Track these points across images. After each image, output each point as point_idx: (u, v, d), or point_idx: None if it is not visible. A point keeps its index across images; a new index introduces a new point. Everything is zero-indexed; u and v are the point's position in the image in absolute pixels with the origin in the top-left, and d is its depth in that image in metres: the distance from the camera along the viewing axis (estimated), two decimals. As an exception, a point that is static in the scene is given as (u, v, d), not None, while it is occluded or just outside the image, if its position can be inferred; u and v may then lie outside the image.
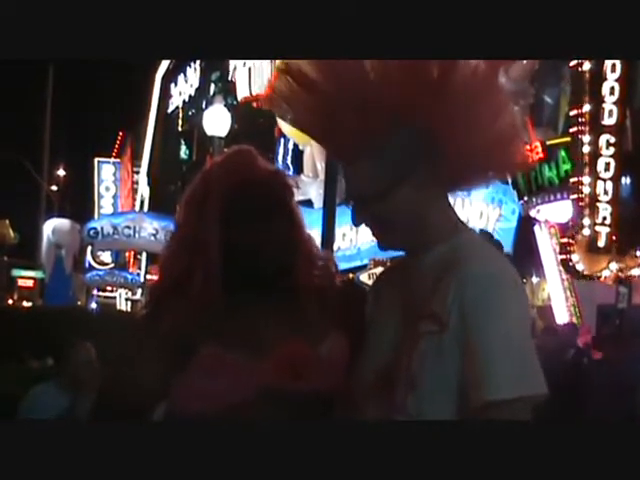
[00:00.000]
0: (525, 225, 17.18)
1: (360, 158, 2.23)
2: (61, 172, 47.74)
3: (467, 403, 2.09)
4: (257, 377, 2.32)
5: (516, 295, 2.17)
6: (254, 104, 28.45)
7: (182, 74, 39.17)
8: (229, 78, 30.31)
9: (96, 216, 41.20)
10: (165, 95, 41.66)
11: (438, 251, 2.24)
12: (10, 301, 35.70)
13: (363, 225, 2.29)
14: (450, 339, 2.12)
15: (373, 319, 2.39)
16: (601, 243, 14.88)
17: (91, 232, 29.63)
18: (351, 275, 18.40)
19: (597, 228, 14.87)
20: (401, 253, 2.38)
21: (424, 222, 2.25)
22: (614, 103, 14.94)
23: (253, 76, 28.04)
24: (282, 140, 27.59)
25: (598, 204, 14.85)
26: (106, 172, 46.99)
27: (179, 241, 2.50)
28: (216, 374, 2.32)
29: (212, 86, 33.39)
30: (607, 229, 14.87)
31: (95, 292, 40.24)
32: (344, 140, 2.24)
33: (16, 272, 40.53)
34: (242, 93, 28.54)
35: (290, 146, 27.41)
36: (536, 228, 16.99)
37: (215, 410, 2.29)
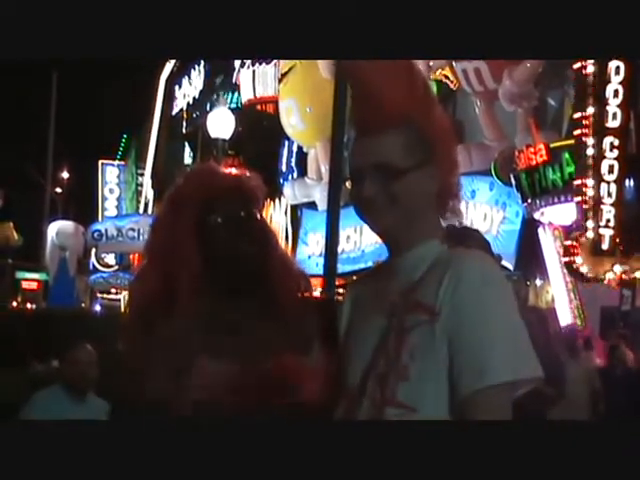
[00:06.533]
0: (529, 227, 17.17)
1: (393, 130, 2.27)
2: (65, 174, 47.70)
3: (461, 390, 2.13)
4: (247, 389, 2.33)
5: (507, 289, 2.24)
6: (258, 106, 28.47)
7: (186, 76, 39.17)
8: (233, 81, 30.30)
9: (100, 218, 41.20)
10: (169, 97, 41.66)
11: (424, 248, 2.29)
12: (14, 303, 35.70)
13: (364, 206, 2.31)
14: (440, 329, 2.16)
15: (351, 322, 2.41)
16: (605, 245, 14.88)
17: (95, 234, 29.68)
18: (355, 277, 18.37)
19: (601, 230, 14.87)
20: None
21: (420, 215, 2.29)
22: (618, 106, 14.94)
23: (257, 79, 28.05)
24: (286, 142, 27.58)
25: (602, 206, 14.85)
26: (110, 174, 46.98)
27: (156, 258, 2.52)
28: (206, 385, 2.33)
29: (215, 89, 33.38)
30: (611, 231, 14.86)
31: (99, 294, 40.19)
32: (386, 108, 2.28)
33: (20, 274, 40.51)
34: (246, 95, 28.54)
35: (294, 148, 27.40)
36: (540, 230, 16.98)
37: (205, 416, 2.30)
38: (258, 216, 2.52)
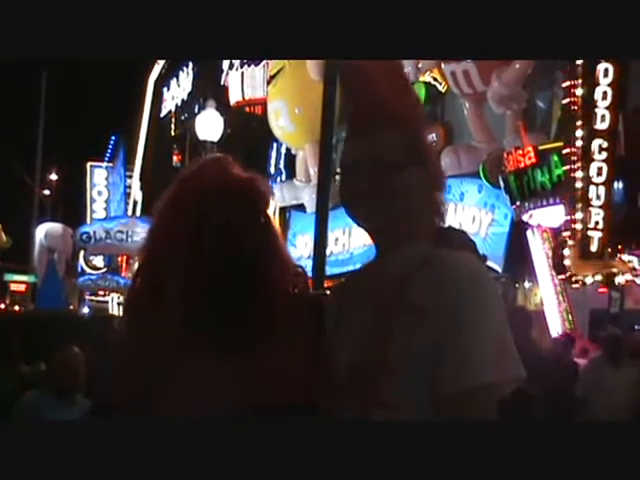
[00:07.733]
0: (518, 230, 17.19)
1: (390, 127, 2.29)
2: (53, 176, 47.67)
3: (445, 389, 2.14)
4: (237, 390, 2.32)
5: (493, 290, 2.24)
6: (247, 108, 28.46)
7: (175, 78, 39.18)
8: (221, 82, 30.28)
9: (88, 220, 41.19)
10: (158, 99, 41.67)
11: (413, 247, 2.29)
12: (2, 305, 35.66)
13: (357, 205, 2.31)
14: (426, 329, 2.16)
15: (339, 321, 2.39)
16: (593, 248, 14.90)
17: (84, 236, 29.65)
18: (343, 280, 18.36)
19: (589, 233, 14.89)
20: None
21: (411, 214, 2.30)
22: (607, 108, 14.97)
23: (245, 80, 28.04)
24: (275, 144, 27.57)
25: (590, 209, 14.87)
26: (98, 176, 46.93)
27: (150, 256, 2.50)
28: (198, 384, 2.32)
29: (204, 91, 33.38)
30: (599, 234, 14.88)
31: (87, 296, 40.16)
32: (384, 106, 2.29)
33: (8, 276, 40.49)
34: (235, 97, 28.52)
35: (283, 150, 27.40)
36: (529, 233, 17.00)
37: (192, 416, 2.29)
38: (262, 220, 2.47)
